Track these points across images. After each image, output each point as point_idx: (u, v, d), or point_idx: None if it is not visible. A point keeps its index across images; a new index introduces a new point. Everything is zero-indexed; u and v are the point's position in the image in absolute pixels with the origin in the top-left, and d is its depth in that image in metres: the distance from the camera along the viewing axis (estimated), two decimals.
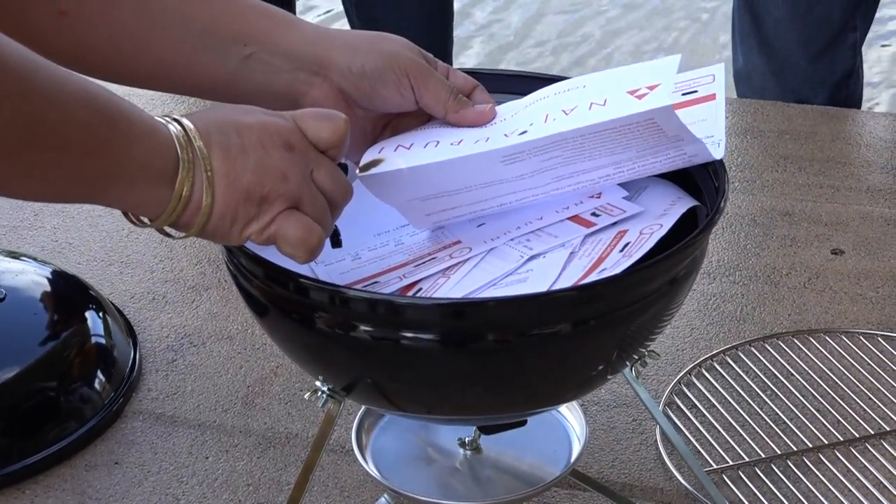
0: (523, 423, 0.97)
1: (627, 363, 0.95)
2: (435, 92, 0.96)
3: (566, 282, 0.90)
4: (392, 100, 0.96)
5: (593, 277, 0.89)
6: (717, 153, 0.90)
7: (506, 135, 0.92)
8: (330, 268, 0.95)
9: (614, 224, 0.94)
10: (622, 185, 0.96)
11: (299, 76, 0.94)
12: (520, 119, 0.94)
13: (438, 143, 0.94)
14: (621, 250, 0.90)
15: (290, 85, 0.94)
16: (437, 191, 0.94)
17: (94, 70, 0.92)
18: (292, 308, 0.88)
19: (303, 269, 0.93)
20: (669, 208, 0.94)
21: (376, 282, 0.92)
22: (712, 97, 0.95)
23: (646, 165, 0.92)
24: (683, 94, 0.95)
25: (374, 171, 0.93)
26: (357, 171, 0.94)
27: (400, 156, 0.94)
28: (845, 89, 1.92)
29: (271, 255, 0.89)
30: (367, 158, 0.95)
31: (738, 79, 2.03)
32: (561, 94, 0.95)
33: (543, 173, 0.92)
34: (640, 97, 0.89)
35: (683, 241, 0.87)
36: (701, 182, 0.98)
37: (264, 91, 0.95)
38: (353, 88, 0.95)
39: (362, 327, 0.85)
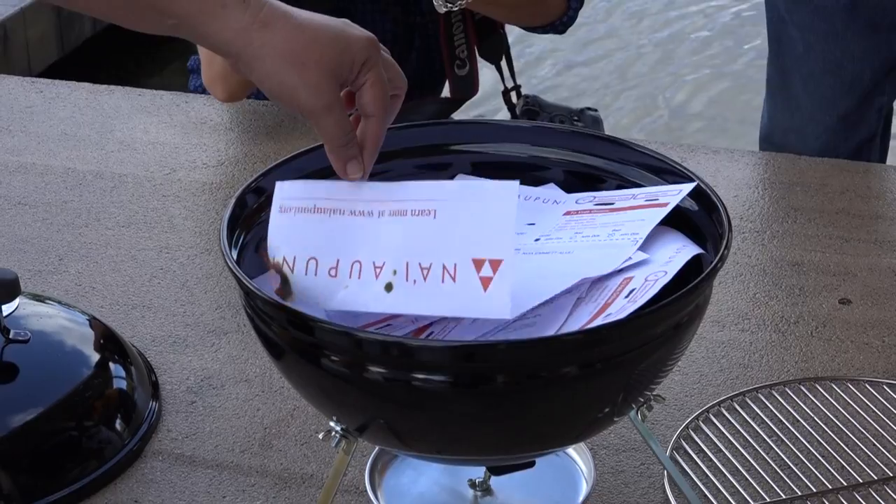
0: (532, 464, 0.99)
1: (633, 406, 0.97)
2: (323, 131, 0.98)
3: (573, 326, 0.93)
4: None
5: (599, 322, 0.92)
6: (611, 262, 0.96)
7: (375, 266, 0.95)
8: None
9: (620, 271, 0.97)
10: None
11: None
12: (392, 242, 0.95)
13: (338, 265, 0.97)
14: (627, 296, 0.93)
15: None
16: None
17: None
18: (307, 350, 0.91)
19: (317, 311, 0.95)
20: (674, 256, 0.97)
21: (389, 324, 0.95)
22: (665, 205, 1.00)
23: None
24: (646, 200, 1.01)
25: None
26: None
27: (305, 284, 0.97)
28: (866, 152, 1.94)
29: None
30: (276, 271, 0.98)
31: (762, 139, 2.05)
32: (415, 218, 0.96)
33: None
34: (484, 282, 0.92)
35: (687, 287, 0.90)
36: (706, 231, 1.01)
37: None
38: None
39: (375, 369, 0.88)
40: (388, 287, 0.94)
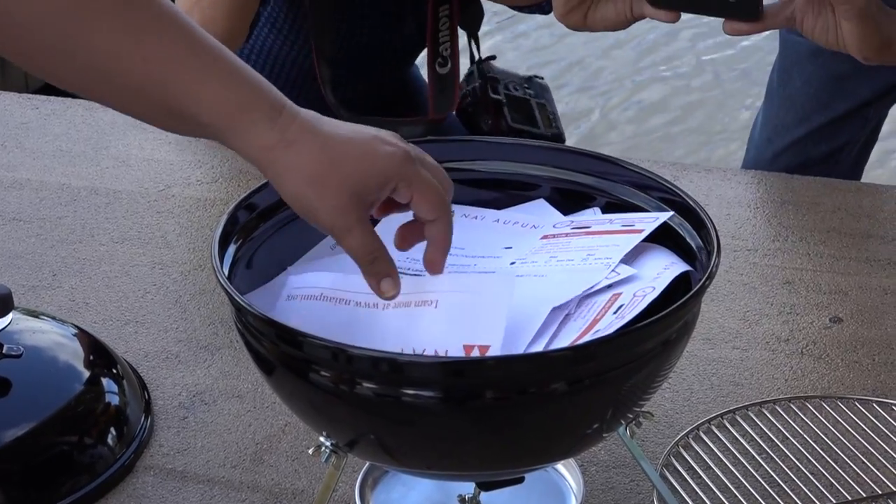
0: (521, 479, 1.00)
1: (622, 422, 0.98)
2: (347, 250, 0.96)
3: (562, 342, 0.94)
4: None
5: (588, 338, 0.92)
6: (582, 285, 0.97)
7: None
8: None
9: (609, 287, 0.97)
10: None
11: None
12: (390, 332, 0.96)
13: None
14: (615, 312, 0.94)
15: None
16: None
17: None
18: (297, 366, 0.92)
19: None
20: (663, 272, 0.98)
21: None
22: (639, 231, 1.02)
23: None
24: (623, 226, 1.03)
25: None
26: None
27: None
28: (837, 154, 1.97)
29: (278, 315, 0.93)
30: None
31: (750, 138, 2.08)
32: (418, 308, 0.96)
33: None
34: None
35: (675, 304, 0.90)
36: (696, 249, 1.01)
37: None
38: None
39: (365, 384, 0.89)
40: None
